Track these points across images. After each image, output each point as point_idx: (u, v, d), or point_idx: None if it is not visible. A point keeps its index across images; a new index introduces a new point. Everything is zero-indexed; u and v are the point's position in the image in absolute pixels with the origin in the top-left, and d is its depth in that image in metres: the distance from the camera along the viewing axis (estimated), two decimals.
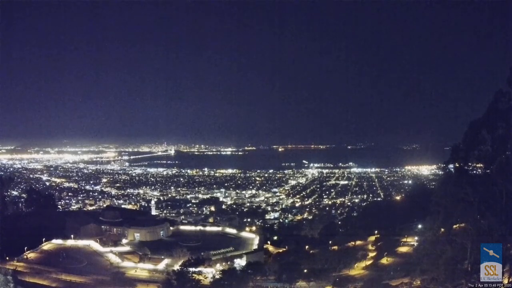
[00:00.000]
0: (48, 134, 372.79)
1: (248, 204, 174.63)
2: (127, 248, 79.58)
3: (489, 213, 42.03)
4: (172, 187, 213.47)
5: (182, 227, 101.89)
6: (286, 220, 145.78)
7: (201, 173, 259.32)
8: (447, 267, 43.16)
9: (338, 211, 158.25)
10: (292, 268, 64.50)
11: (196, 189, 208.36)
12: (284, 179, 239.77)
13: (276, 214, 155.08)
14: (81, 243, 77.50)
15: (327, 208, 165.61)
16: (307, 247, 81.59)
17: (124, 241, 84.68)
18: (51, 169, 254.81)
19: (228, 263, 72.92)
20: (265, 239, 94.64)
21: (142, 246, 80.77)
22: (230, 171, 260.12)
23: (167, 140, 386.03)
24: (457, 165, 46.48)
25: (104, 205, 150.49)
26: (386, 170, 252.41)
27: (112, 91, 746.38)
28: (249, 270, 63.91)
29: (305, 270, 64.76)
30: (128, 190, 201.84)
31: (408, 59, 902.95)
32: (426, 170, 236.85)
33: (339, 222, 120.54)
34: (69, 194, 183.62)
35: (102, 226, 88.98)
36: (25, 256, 68.96)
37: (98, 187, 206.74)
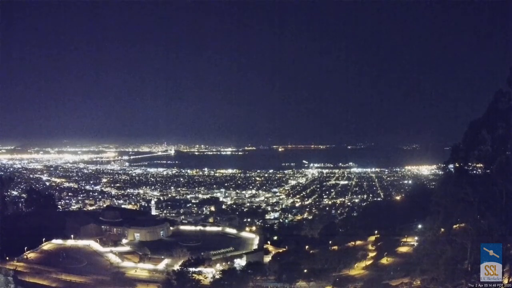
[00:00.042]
0: (48, 134, 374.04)
1: (248, 204, 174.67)
2: (127, 248, 79.52)
3: (489, 213, 42.05)
4: (172, 187, 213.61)
5: (182, 227, 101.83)
6: (286, 220, 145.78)
7: (201, 173, 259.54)
8: (447, 267, 43.17)
9: (338, 211, 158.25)
10: (292, 268, 64.43)
11: (196, 189, 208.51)
12: (284, 179, 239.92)
13: (276, 214, 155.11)
14: (81, 243, 77.45)
15: (327, 208, 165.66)
16: (307, 247, 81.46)
17: (124, 241, 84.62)
18: (51, 169, 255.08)
19: (228, 263, 72.87)
20: (265, 239, 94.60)
21: (142, 246, 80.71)
22: (230, 171, 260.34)
23: (167, 140, 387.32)
24: (457, 165, 46.50)
25: (104, 205, 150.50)
26: (386, 170, 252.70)
27: (112, 91, 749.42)
28: (249, 270, 63.87)
29: (305, 270, 64.69)
30: (128, 190, 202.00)
31: (408, 59, 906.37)
32: (426, 170, 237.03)
33: (339, 222, 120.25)
34: (69, 194, 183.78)
35: (102, 226, 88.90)
36: (25, 256, 68.88)
37: (98, 187, 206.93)
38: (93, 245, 76.92)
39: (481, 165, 46.18)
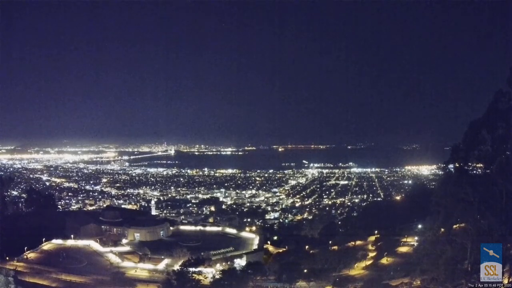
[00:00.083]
0: (48, 134, 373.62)
1: (248, 204, 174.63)
2: (127, 248, 79.50)
3: (489, 213, 42.10)
4: (172, 187, 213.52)
5: (182, 227, 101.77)
6: (286, 220, 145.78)
7: (201, 173, 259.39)
8: (447, 267, 43.22)
9: (338, 211, 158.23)
10: (292, 268, 64.43)
11: (196, 189, 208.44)
12: (284, 179, 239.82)
13: (276, 214, 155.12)
14: (81, 243, 77.45)
15: (327, 208, 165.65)
16: (307, 247, 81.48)
17: (124, 241, 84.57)
18: (51, 169, 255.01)
19: (228, 263, 72.83)
20: (265, 239, 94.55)
21: (142, 246, 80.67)
22: (230, 171, 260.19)
23: (167, 140, 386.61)
24: (457, 165, 46.58)
25: (104, 205, 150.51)
26: (386, 170, 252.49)
27: (112, 91, 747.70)
28: (249, 270, 63.82)
29: (305, 270, 64.68)
30: (128, 190, 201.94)
31: (408, 59, 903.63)
32: (426, 170, 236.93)
33: (339, 222, 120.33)
34: (69, 194, 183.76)
35: (102, 226, 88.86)
36: (25, 256, 68.90)
37: (98, 187, 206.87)
38: (93, 245, 76.91)
39: (481, 165, 46.26)
